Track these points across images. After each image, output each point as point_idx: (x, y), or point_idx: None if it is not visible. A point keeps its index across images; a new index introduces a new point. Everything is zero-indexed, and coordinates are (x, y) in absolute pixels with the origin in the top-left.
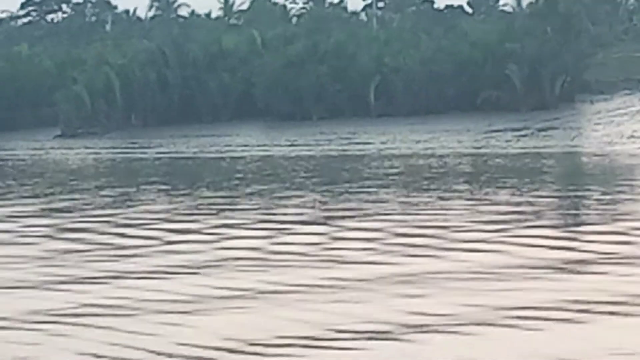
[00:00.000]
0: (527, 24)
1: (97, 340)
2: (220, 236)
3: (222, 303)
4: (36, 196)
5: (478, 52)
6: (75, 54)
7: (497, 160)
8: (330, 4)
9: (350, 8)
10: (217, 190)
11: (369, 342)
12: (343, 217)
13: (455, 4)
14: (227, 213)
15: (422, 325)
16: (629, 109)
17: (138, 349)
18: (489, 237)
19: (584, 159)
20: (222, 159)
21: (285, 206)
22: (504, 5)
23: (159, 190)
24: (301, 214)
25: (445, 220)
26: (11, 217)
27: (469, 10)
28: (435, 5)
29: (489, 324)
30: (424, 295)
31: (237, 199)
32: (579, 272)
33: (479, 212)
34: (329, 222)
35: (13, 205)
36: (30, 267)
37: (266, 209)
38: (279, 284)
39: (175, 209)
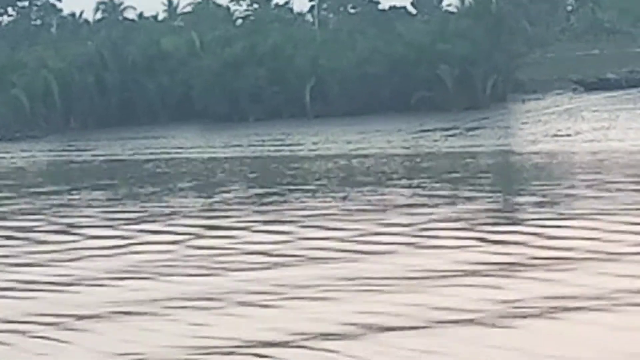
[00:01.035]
0: (460, 24)
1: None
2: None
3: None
4: None
5: (412, 52)
6: (17, 58)
7: (419, 159)
8: (276, 5)
9: (296, 9)
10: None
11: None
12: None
13: (400, 4)
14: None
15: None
16: (558, 108)
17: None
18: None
19: (505, 157)
20: (153, 160)
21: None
22: (448, 5)
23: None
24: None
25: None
26: None
27: (413, 10)
28: (380, 6)
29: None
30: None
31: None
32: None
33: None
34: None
35: None
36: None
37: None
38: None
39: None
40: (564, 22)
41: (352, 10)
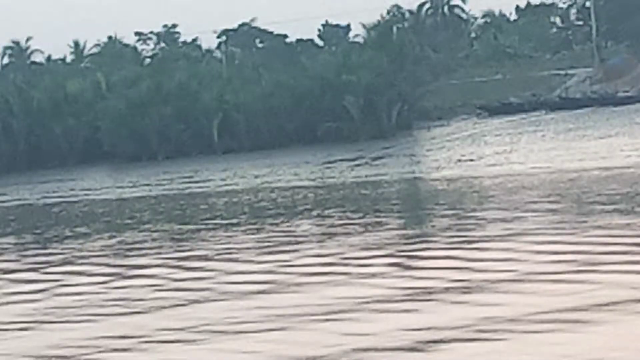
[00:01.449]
0: (363, 55)
1: None
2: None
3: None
4: None
5: (316, 85)
6: None
7: (325, 190)
8: (184, 42)
9: (205, 46)
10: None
11: None
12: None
13: (308, 37)
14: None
15: None
16: (462, 134)
17: None
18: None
19: (410, 184)
20: (61, 203)
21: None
22: (355, 36)
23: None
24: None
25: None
26: None
27: (320, 42)
28: (288, 39)
29: None
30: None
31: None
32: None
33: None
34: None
35: None
36: None
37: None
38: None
39: None
40: (467, 48)
41: (260, 45)
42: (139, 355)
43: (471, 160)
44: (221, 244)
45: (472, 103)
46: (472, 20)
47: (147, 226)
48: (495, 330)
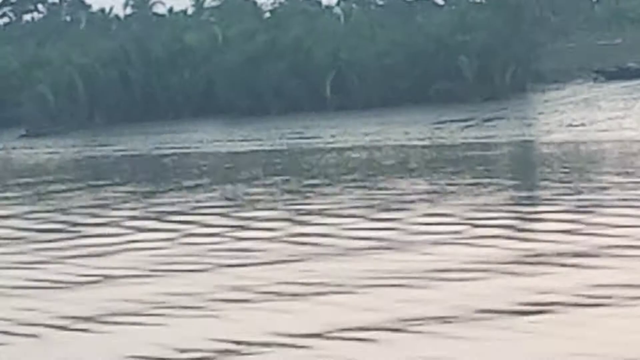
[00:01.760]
0: (479, 15)
1: None
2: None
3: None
4: None
5: (430, 44)
6: (43, 54)
7: (431, 150)
8: None
9: (325, 2)
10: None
11: None
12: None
13: None
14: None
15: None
16: (576, 98)
17: None
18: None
19: (518, 147)
20: (171, 155)
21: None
22: None
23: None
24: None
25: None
26: None
27: (441, 2)
28: None
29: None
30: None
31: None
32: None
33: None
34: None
35: None
36: None
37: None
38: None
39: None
40: (588, 11)
41: (380, 2)
42: (258, 306)
43: (582, 124)
44: (330, 201)
45: (589, 67)
46: None
47: (258, 181)
48: (608, 297)
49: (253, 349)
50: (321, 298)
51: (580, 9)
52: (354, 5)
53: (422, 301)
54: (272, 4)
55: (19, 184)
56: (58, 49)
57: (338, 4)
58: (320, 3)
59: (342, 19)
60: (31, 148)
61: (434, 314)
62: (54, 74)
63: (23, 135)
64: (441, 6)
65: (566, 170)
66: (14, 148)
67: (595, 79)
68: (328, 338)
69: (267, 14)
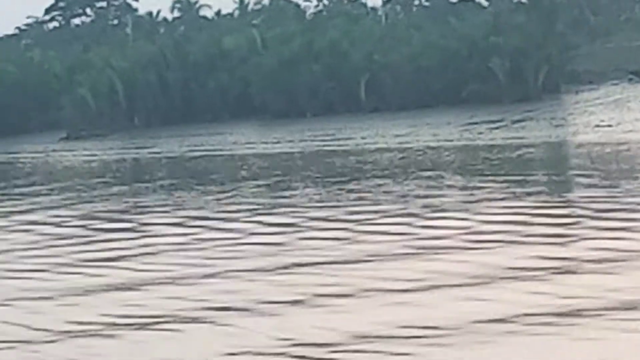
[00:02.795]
0: (513, 17)
1: None
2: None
3: None
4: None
5: (464, 46)
6: (85, 58)
7: (453, 151)
8: (349, 0)
9: (370, 4)
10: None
11: None
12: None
13: None
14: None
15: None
16: (608, 99)
17: None
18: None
19: (540, 149)
20: (202, 157)
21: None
22: None
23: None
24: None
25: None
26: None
27: (485, 3)
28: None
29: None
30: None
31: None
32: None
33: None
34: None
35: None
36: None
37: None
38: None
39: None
40: (629, 11)
41: (426, 3)
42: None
43: (609, 125)
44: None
45: (625, 68)
46: None
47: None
48: None
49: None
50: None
51: (622, 9)
52: (397, 7)
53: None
54: (316, 6)
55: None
56: (100, 53)
57: (384, 5)
58: (365, 5)
59: (383, 20)
60: (70, 151)
61: None
62: (95, 78)
63: (63, 138)
64: (485, 7)
65: (587, 172)
66: (53, 151)
67: (630, 80)
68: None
69: (311, 17)
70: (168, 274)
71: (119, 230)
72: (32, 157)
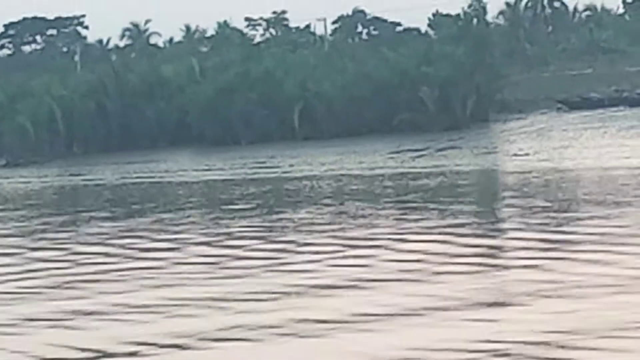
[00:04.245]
0: (442, 47)
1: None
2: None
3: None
4: None
5: (396, 76)
6: (26, 86)
7: (367, 180)
8: (297, 29)
9: (318, 32)
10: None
11: None
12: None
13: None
14: None
15: None
16: (531, 128)
17: None
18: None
19: (449, 177)
20: (129, 184)
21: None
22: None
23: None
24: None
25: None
26: None
27: (431, 31)
28: (398, 28)
29: None
30: None
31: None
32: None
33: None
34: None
35: None
36: None
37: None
38: None
39: None
40: (565, 41)
41: (374, 32)
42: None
43: (526, 154)
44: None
45: (554, 97)
46: (574, 13)
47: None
48: None
49: None
50: None
51: (559, 39)
52: (344, 35)
53: None
54: (262, 35)
55: None
56: (42, 81)
57: (332, 33)
58: (313, 33)
59: (325, 49)
60: (6, 178)
61: None
62: (35, 106)
63: (2, 166)
64: (429, 36)
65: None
66: None
67: (558, 109)
68: None
69: (256, 45)
70: None
71: None
72: None
